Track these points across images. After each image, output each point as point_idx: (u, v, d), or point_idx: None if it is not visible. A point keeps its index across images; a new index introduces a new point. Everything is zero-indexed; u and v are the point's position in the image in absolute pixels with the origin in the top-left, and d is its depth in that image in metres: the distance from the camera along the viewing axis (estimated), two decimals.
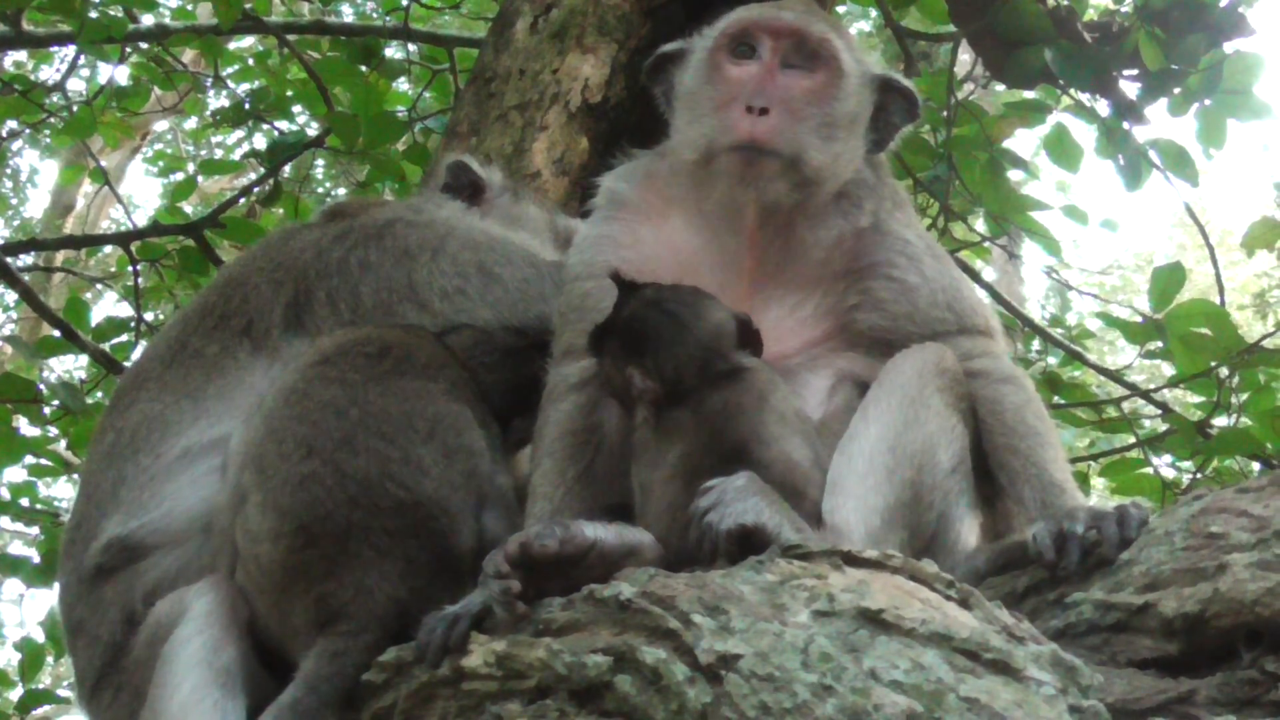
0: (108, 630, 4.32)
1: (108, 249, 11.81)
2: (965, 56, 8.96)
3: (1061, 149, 8.24)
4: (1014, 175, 8.79)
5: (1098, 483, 9.02)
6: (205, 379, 4.51)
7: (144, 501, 4.36)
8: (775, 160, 4.09)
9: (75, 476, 10.08)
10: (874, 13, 8.74)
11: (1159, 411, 8.76)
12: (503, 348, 4.48)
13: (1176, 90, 7.77)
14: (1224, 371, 7.42)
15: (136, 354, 9.58)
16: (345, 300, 4.52)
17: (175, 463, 4.40)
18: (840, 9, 9.77)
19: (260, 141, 10.71)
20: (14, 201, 24.30)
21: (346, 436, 3.97)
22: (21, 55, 12.20)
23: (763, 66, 4.20)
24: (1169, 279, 7.49)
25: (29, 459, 9.61)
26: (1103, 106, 7.97)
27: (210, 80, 11.29)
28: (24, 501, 10.18)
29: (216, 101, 12.73)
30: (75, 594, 4.43)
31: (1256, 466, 7.69)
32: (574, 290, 4.32)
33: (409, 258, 4.61)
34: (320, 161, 16.60)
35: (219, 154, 16.57)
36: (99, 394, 9.87)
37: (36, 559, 9.85)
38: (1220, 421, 7.76)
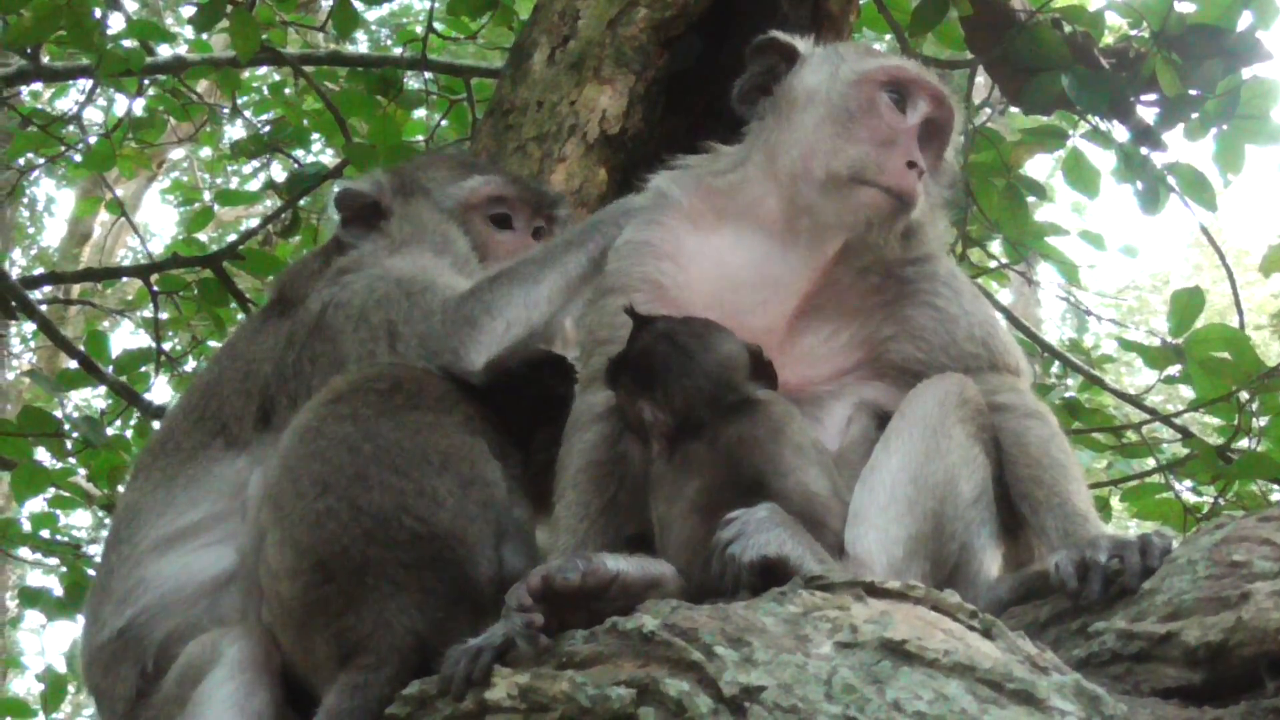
0: (124, 688, 4.47)
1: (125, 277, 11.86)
2: (981, 80, 8.93)
3: (1079, 174, 8.22)
4: (1031, 199, 8.76)
5: (1118, 507, 8.99)
6: (179, 469, 4.77)
7: (130, 589, 4.58)
8: (906, 217, 4.16)
9: (94, 508, 10.14)
10: (889, 37, 8.74)
11: (1179, 435, 8.74)
12: (508, 369, 4.50)
13: (1194, 115, 7.76)
14: (1244, 395, 7.40)
15: (156, 385, 9.67)
16: (302, 396, 4.67)
17: (148, 553, 4.62)
18: (857, 36, 9.78)
19: (278, 171, 10.71)
20: (31, 230, 24.37)
21: (360, 471, 3.96)
22: (38, 85, 12.21)
23: (911, 127, 4.25)
24: (1188, 304, 7.44)
25: (50, 490, 9.62)
26: (1120, 132, 7.95)
27: (227, 110, 11.35)
28: (44, 533, 10.19)
29: (233, 131, 12.80)
30: (91, 665, 4.63)
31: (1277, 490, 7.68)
32: (606, 306, 4.31)
33: (340, 337, 4.79)
34: None
35: (235, 183, 16.57)
36: (121, 425, 9.91)
37: (57, 591, 9.87)
38: (1241, 445, 7.73)
